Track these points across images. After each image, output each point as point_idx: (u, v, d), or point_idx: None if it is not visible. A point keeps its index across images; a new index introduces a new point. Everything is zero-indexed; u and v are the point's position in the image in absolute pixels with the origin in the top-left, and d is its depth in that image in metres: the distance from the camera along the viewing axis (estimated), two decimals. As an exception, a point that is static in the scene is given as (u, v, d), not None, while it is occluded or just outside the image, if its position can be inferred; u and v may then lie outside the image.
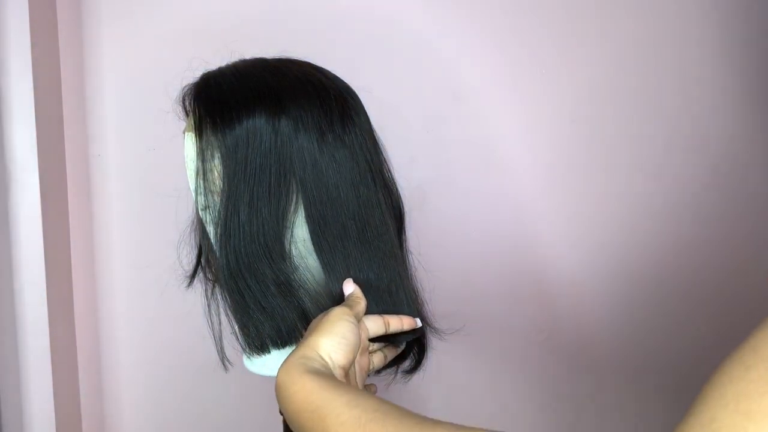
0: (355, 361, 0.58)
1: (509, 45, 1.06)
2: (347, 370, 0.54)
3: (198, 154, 0.59)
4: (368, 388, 0.64)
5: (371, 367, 0.62)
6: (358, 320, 0.57)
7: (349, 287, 0.60)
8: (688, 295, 1.10)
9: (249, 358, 0.64)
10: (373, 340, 0.61)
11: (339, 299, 0.60)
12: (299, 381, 0.48)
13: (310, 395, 0.47)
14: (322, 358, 0.52)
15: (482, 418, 1.13)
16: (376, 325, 0.60)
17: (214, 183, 0.59)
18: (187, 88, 0.63)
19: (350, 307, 0.57)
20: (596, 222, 1.11)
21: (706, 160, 1.10)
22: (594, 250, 1.11)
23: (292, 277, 0.59)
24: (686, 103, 1.09)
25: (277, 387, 0.50)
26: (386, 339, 0.62)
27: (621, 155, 1.09)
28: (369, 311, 0.60)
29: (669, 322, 1.13)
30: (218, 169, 0.59)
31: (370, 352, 0.62)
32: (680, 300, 1.11)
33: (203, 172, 0.59)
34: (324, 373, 0.49)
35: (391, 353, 0.64)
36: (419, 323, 0.63)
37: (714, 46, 1.08)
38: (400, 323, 0.61)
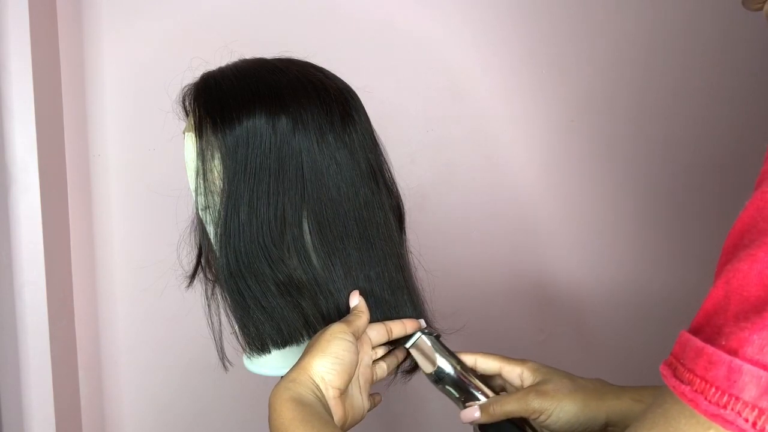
0: (359, 373, 0.58)
1: (509, 45, 1.06)
2: (343, 390, 0.54)
3: (198, 154, 0.59)
4: (373, 398, 0.63)
5: (375, 378, 0.61)
6: (359, 336, 0.57)
7: (354, 300, 0.59)
8: (689, 294, 1.10)
9: (249, 357, 0.64)
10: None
11: (340, 300, 0.60)
12: (279, 407, 0.50)
13: (282, 425, 0.49)
14: (314, 381, 0.52)
15: (482, 418, 1.13)
16: (378, 333, 0.59)
17: (214, 183, 0.59)
18: (187, 88, 0.63)
19: (349, 322, 0.56)
20: (596, 221, 1.11)
21: (706, 159, 1.10)
22: (594, 249, 1.11)
23: (293, 276, 0.59)
24: (686, 102, 1.09)
25: (268, 406, 0.52)
26: (390, 343, 0.62)
27: (620, 155, 1.09)
28: (371, 313, 0.59)
29: (670, 322, 1.12)
30: (218, 169, 0.59)
31: (373, 362, 0.61)
32: (681, 300, 1.11)
33: (203, 172, 0.59)
34: (304, 403, 0.50)
35: (392, 363, 0.64)
36: (423, 324, 0.63)
37: (714, 45, 1.08)
38: (403, 328, 0.61)
